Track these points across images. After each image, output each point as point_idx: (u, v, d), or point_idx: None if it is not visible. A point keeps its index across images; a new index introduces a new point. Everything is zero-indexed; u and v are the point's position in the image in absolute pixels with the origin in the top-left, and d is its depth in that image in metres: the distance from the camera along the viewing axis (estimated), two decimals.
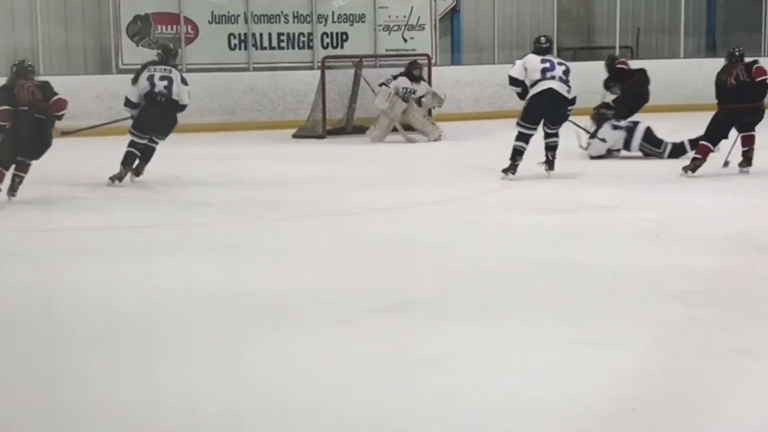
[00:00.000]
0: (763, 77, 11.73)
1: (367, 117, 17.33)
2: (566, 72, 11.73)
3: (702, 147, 11.62)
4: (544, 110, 11.61)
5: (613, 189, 10.81)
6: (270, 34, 19.58)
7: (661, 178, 11.58)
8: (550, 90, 11.52)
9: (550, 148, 11.72)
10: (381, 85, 16.20)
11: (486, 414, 4.40)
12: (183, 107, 11.79)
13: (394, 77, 16.22)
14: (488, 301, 6.24)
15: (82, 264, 7.56)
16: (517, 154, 11.61)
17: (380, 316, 5.93)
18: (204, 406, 4.58)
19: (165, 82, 11.62)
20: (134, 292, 6.69)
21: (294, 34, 19.75)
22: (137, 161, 11.79)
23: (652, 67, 20.78)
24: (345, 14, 20.23)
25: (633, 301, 6.15)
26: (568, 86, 11.65)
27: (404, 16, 20.60)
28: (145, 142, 11.74)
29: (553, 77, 11.59)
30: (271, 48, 19.41)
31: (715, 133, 11.71)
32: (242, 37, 19.35)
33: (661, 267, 7.06)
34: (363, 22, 20.26)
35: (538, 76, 11.63)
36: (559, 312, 5.97)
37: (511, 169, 11.59)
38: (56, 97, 10.55)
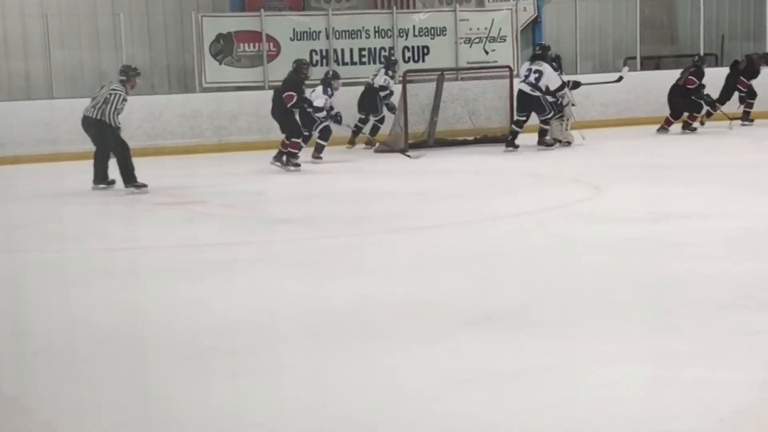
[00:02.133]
0: None
1: (448, 130, 17.35)
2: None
3: None
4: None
5: (698, 197, 10.68)
6: (351, 50, 19.65)
7: (747, 185, 11.40)
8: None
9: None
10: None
11: (574, 428, 4.35)
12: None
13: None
14: (575, 314, 6.17)
15: (166, 282, 7.62)
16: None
17: (466, 330, 5.89)
18: (289, 423, 4.58)
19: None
20: (218, 309, 6.72)
21: (375, 48, 19.80)
22: None
23: None
24: (426, 28, 20.24)
25: (722, 312, 6.05)
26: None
27: (485, 29, 20.55)
28: None
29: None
30: (353, 63, 19.47)
31: None
32: (324, 53, 19.46)
33: (751, 276, 6.94)
34: (444, 35, 20.25)
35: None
36: (647, 323, 5.89)
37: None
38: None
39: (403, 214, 10.52)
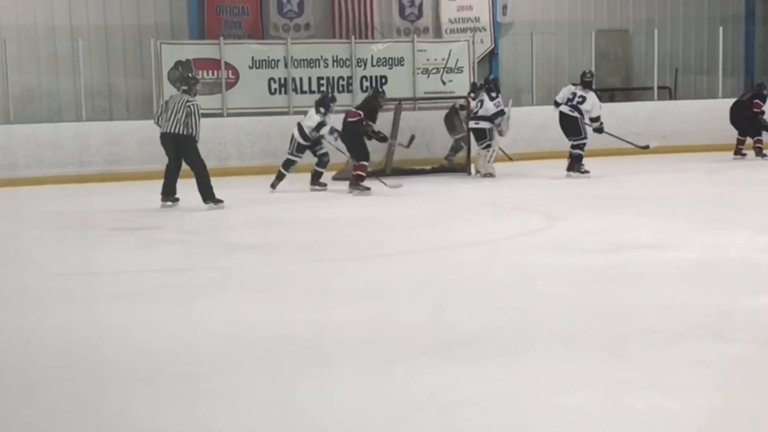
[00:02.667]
0: None
1: (406, 158, 17.42)
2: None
3: None
4: None
5: (656, 228, 10.78)
6: (310, 78, 19.75)
7: (704, 218, 11.55)
8: None
9: None
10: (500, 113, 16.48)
11: None
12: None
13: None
14: (531, 342, 6.23)
15: (124, 307, 7.60)
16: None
17: (423, 357, 5.93)
18: None
19: None
20: (177, 334, 6.72)
21: (334, 78, 19.90)
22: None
23: (691, 107, 20.89)
24: (384, 58, 20.38)
25: (676, 342, 6.12)
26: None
27: (443, 59, 20.74)
28: None
29: None
30: (311, 92, 19.55)
31: None
32: (282, 82, 19.52)
33: (705, 307, 7.03)
34: (402, 65, 20.40)
35: None
36: (603, 352, 5.95)
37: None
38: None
39: (362, 241, 10.57)
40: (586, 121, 16.11)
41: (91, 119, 18.60)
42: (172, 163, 13.41)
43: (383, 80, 20.23)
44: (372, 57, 20.32)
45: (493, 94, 16.50)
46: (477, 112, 16.54)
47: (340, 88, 19.79)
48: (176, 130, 13.19)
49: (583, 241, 10.04)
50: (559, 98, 16.44)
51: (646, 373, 5.49)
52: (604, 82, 22.26)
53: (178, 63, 18.98)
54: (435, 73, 20.65)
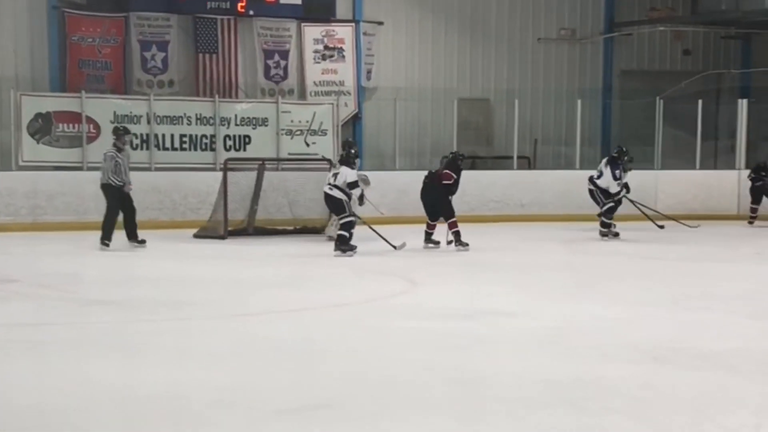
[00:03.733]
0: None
1: (268, 219, 17.39)
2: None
3: None
4: None
5: (512, 296, 10.94)
6: (173, 135, 19.64)
7: (558, 286, 11.77)
8: None
9: None
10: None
11: None
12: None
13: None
14: (387, 407, 6.25)
15: None
16: None
17: (282, 420, 5.91)
18: None
19: None
20: (28, 392, 6.58)
21: (197, 135, 19.83)
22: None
23: (549, 177, 21.35)
24: (248, 117, 20.39)
25: (531, 409, 6.21)
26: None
27: (307, 121, 20.81)
28: None
29: None
30: (174, 149, 19.45)
31: None
32: (145, 137, 19.37)
33: (558, 375, 7.14)
34: (266, 125, 20.42)
35: None
36: (459, 419, 6.00)
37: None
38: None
39: (224, 300, 10.51)
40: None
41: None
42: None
43: (247, 140, 20.22)
44: (236, 116, 20.31)
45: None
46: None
47: (203, 146, 19.73)
48: (102, 180, 14.94)
49: (442, 307, 10.13)
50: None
51: None
52: (466, 149, 22.55)
53: (39, 115, 18.70)
54: (299, 135, 20.71)
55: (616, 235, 17.27)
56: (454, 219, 15.41)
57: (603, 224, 17.30)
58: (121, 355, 7.75)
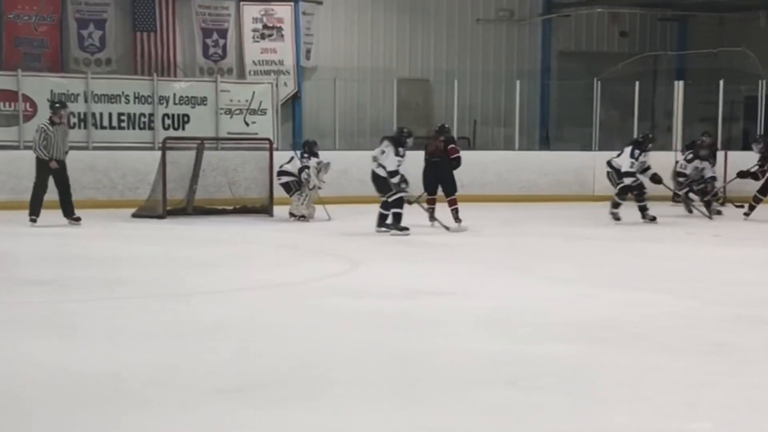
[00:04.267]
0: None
1: (207, 198, 17.33)
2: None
3: None
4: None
5: (452, 275, 10.99)
6: (110, 114, 19.50)
7: (497, 265, 11.84)
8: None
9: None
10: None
11: None
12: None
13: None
14: (327, 386, 6.25)
15: None
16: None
17: (220, 399, 5.89)
18: None
19: None
20: None
21: (135, 114, 19.70)
22: None
23: (489, 158, 21.44)
24: (187, 96, 20.30)
25: (471, 388, 6.23)
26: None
27: (246, 101, 20.75)
28: None
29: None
30: (112, 128, 19.33)
31: None
32: (82, 116, 19.20)
33: (497, 353, 7.18)
34: (205, 104, 20.35)
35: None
36: (398, 397, 6.01)
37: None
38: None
39: (160, 280, 10.44)
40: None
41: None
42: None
43: (186, 119, 20.11)
44: (174, 95, 20.20)
45: (305, 155, 16.60)
46: (282, 167, 16.69)
47: (142, 125, 19.63)
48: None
49: (383, 287, 10.15)
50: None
51: (442, 418, 5.57)
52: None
53: None
54: (238, 114, 20.64)
55: (653, 219, 17.10)
56: (455, 195, 15.78)
57: (614, 204, 17.18)
58: (55, 335, 7.68)
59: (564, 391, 6.18)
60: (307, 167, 16.37)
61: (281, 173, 16.73)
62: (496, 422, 5.53)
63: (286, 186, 16.70)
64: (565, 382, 6.41)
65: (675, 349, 7.38)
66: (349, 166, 18.87)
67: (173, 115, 20.16)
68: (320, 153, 17.01)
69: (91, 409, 5.68)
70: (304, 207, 16.52)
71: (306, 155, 16.63)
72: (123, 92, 19.75)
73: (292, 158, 16.66)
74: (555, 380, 6.45)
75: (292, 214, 16.63)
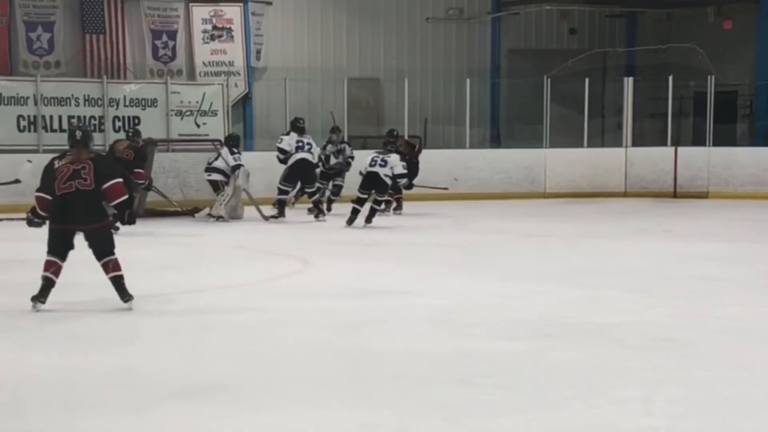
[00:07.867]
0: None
1: (158, 200, 17.25)
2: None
3: None
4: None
5: (402, 274, 11.01)
6: (60, 117, 19.35)
7: (449, 264, 11.87)
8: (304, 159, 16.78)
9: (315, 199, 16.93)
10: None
11: None
12: None
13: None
14: (281, 387, 6.26)
15: None
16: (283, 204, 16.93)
17: (174, 402, 5.88)
18: None
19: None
20: None
21: (85, 117, 19.55)
22: None
23: (440, 156, 21.48)
24: (137, 99, 20.17)
25: (424, 386, 6.25)
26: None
27: (197, 102, 20.66)
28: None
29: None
30: (62, 130, 19.14)
31: None
32: (32, 119, 19.06)
33: (449, 352, 7.21)
34: (155, 106, 20.24)
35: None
36: (351, 396, 6.03)
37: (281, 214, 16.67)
38: None
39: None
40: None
41: None
42: None
43: (136, 121, 19.99)
44: (125, 97, 20.08)
45: (235, 150, 16.70)
46: (212, 163, 16.73)
47: (92, 128, 19.44)
48: None
49: (334, 286, 10.16)
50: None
51: (396, 417, 5.59)
52: (356, 129, 22.63)
53: None
54: (189, 116, 20.56)
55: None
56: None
57: None
58: (7, 339, 7.64)
59: (518, 388, 6.22)
60: (242, 166, 16.51)
61: (211, 170, 16.74)
62: (450, 420, 5.56)
63: (214, 184, 16.71)
64: (520, 379, 6.45)
65: (629, 344, 7.44)
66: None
67: (124, 117, 20.04)
68: (270, 153, 17.12)
69: (43, 413, 5.66)
70: (222, 208, 16.52)
71: (236, 150, 16.71)
72: (73, 95, 19.59)
73: (219, 156, 16.66)
74: (509, 378, 6.49)
75: (211, 215, 16.60)
